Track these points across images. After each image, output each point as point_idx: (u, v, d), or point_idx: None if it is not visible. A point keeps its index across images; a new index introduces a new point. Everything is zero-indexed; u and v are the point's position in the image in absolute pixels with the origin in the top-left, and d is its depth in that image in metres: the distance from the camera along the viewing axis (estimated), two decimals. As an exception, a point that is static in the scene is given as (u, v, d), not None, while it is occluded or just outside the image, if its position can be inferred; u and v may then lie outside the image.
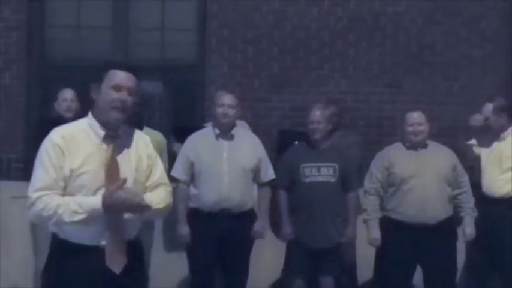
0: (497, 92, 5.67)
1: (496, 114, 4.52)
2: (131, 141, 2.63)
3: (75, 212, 2.42)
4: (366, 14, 5.72)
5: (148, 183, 2.65)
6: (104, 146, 2.52)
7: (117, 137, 2.56)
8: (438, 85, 5.78)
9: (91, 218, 2.44)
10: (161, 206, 2.64)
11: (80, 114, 4.64)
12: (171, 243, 4.66)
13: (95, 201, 2.44)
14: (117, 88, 2.53)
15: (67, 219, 2.43)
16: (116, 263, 2.51)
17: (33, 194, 2.46)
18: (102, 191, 2.47)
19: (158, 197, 2.64)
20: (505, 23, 5.87)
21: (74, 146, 2.49)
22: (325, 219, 4.19)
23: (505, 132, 4.53)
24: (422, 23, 5.79)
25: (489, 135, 4.59)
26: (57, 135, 2.51)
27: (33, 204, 2.45)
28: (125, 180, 2.48)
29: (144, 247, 4.25)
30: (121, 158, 2.55)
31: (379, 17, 5.74)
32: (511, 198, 4.42)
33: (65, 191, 2.48)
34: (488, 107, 4.56)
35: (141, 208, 2.50)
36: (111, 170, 2.50)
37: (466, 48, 5.84)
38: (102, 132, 2.53)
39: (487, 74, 5.82)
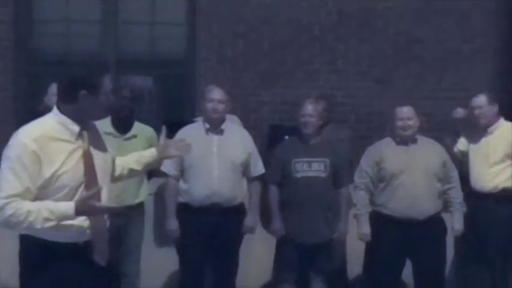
0: (486, 87, 5.73)
1: (491, 104, 4.54)
2: (98, 133, 2.69)
3: (46, 219, 2.38)
4: (355, 9, 5.72)
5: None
6: (80, 141, 2.51)
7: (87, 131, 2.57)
8: (427, 80, 5.80)
9: (62, 223, 2.42)
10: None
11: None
12: (161, 238, 4.66)
13: (67, 207, 2.40)
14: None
15: (38, 225, 2.38)
16: (102, 255, 2.54)
17: (1, 200, 2.37)
18: (81, 189, 2.46)
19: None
20: (493, 18, 5.89)
21: (49, 148, 2.42)
22: (316, 214, 4.18)
23: (492, 127, 4.56)
24: (411, 18, 5.80)
25: (476, 130, 4.61)
26: (28, 138, 2.40)
27: (1, 209, 2.38)
28: (100, 188, 2.48)
29: (135, 242, 4.33)
30: (93, 152, 2.56)
31: (369, 12, 5.74)
32: (499, 192, 4.46)
33: (42, 194, 2.42)
34: (481, 97, 4.57)
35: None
36: (88, 164, 2.50)
37: (454, 43, 5.86)
38: (76, 128, 2.50)
39: (476, 70, 5.85)
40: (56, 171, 2.41)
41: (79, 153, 2.49)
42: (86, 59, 5.49)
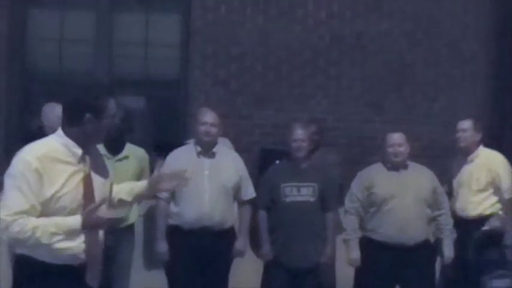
0: (477, 112, 5.78)
1: (475, 130, 4.61)
2: (100, 157, 2.74)
3: (53, 234, 2.40)
4: (348, 33, 5.78)
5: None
6: (81, 165, 2.52)
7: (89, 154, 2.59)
8: (418, 105, 5.85)
9: (69, 238, 2.44)
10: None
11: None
12: (150, 259, 4.64)
13: (73, 222, 2.43)
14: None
15: (45, 241, 2.40)
16: (95, 278, 2.55)
17: (7, 217, 2.38)
18: (79, 210, 2.47)
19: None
20: (484, 44, 5.97)
21: (51, 169, 2.43)
22: (305, 239, 4.18)
23: (473, 154, 4.63)
24: (403, 43, 5.87)
25: (459, 158, 4.70)
26: (32, 157, 2.42)
27: (8, 226, 2.38)
28: (104, 200, 2.50)
29: (125, 262, 4.31)
30: (93, 175, 2.58)
31: (361, 36, 5.80)
32: (483, 220, 4.52)
33: (43, 213, 2.42)
34: (467, 122, 4.63)
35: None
36: (88, 188, 2.52)
37: (445, 68, 5.93)
38: (79, 152, 2.52)
39: (466, 95, 5.91)
40: (57, 192, 2.42)
41: (80, 176, 2.50)
42: (81, 79, 5.53)
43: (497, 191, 4.56)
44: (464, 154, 4.67)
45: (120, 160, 4.29)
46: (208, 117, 4.20)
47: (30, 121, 5.34)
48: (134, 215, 4.38)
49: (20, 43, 5.59)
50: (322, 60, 5.75)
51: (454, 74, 5.93)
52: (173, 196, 4.14)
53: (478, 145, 4.64)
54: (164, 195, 4.14)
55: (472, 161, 4.63)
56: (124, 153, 4.32)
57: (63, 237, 2.41)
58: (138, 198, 3.02)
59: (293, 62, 5.73)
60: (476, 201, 4.56)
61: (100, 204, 2.47)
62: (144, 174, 4.40)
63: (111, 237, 4.12)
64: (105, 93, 2.60)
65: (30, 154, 2.43)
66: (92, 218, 2.45)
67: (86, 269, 2.53)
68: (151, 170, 4.45)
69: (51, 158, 2.44)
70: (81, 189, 2.49)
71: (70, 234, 2.43)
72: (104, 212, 2.58)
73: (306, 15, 5.73)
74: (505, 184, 4.53)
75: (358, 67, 5.80)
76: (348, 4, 5.78)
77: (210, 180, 4.11)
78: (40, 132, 4.60)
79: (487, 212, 4.54)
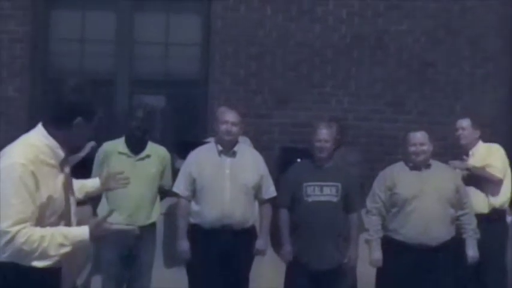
0: (498, 111, 5.73)
1: (474, 128, 4.75)
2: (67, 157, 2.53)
3: (61, 245, 2.26)
4: (369, 32, 5.75)
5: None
6: (62, 168, 2.38)
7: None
8: (440, 104, 5.80)
9: (76, 249, 2.32)
10: None
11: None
12: (171, 257, 4.65)
13: (81, 232, 2.31)
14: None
15: (52, 252, 2.24)
16: (69, 284, 2.48)
17: (11, 228, 2.17)
18: (67, 216, 2.36)
19: None
20: (506, 42, 5.90)
21: (43, 170, 2.27)
22: (327, 239, 4.14)
23: (473, 149, 4.74)
24: (424, 41, 5.82)
25: (459, 156, 4.80)
26: (25, 159, 2.23)
27: (12, 238, 2.18)
28: (111, 212, 2.44)
29: (146, 262, 4.33)
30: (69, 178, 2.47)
31: (382, 35, 5.76)
32: (489, 213, 4.58)
33: (37, 219, 2.25)
34: (465, 120, 4.79)
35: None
36: (68, 192, 2.40)
37: (467, 67, 5.87)
38: (62, 154, 2.36)
39: (488, 93, 5.85)
40: (50, 195, 2.28)
41: (61, 179, 2.35)
42: (103, 79, 5.58)
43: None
44: (465, 151, 4.79)
45: (142, 159, 4.32)
46: (229, 116, 4.20)
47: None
48: (156, 214, 4.39)
49: (43, 44, 5.65)
50: (342, 59, 5.73)
51: (476, 72, 5.87)
52: (194, 195, 4.16)
53: (477, 140, 4.78)
54: (185, 193, 4.16)
55: (472, 155, 4.74)
56: (146, 152, 4.34)
57: (70, 248, 2.27)
58: (89, 195, 2.94)
59: (313, 61, 5.71)
60: (483, 196, 4.60)
61: (108, 216, 2.37)
62: (166, 173, 4.43)
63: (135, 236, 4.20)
64: (95, 93, 2.47)
65: (22, 157, 2.24)
66: (100, 229, 2.34)
67: (64, 271, 2.38)
68: (173, 168, 4.50)
69: (40, 160, 2.28)
70: (63, 194, 2.35)
71: (77, 245, 2.30)
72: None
73: (327, 14, 5.71)
74: (495, 163, 4.61)
75: (379, 66, 5.76)
76: (368, 3, 5.75)
77: (231, 179, 4.11)
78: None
79: (493, 206, 4.61)
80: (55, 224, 2.31)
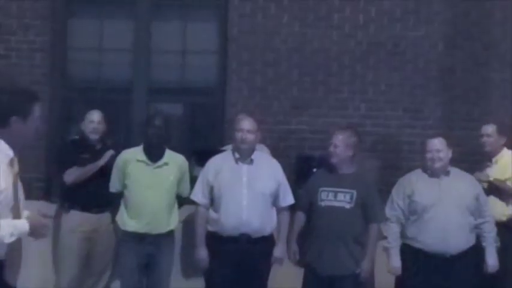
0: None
1: (499, 134, 4.65)
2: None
3: (11, 234, 2.45)
4: (386, 38, 5.72)
5: None
6: (15, 167, 2.56)
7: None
8: (458, 110, 5.75)
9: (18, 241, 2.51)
10: None
11: (104, 136, 4.74)
12: (189, 265, 4.66)
13: (23, 224, 2.51)
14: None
15: (7, 240, 2.44)
16: (14, 276, 2.60)
17: None
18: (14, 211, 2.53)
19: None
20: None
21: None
22: (339, 245, 4.08)
23: (497, 156, 4.64)
24: (442, 47, 5.78)
25: (482, 162, 4.71)
26: None
27: None
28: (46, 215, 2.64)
29: (165, 270, 4.34)
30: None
31: (399, 41, 5.74)
32: (508, 221, 4.48)
33: None
34: (491, 126, 4.68)
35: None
36: (16, 190, 2.57)
37: (485, 72, 5.82)
38: (11, 153, 2.55)
39: (507, 99, 5.79)
40: (5, 188, 2.47)
41: (10, 177, 2.53)
42: (121, 87, 5.62)
43: None
44: (489, 158, 4.70)
45: (159, 167, 4.34)
46: (244, 124, 4.20)
47: (71, 129, 5.46)
48: (174, 222, 4.41)
49: (61, 53, 5.71)
50: (359, 66, 5.71)
51: (494, 77, 5.81)
52: (212, 202, 4.17)
53: (502, 147, 4.69)
54: (203, 201, 4.18)
55: (496, 162, 4.64)
56: (164, 160, 4.37)
57: (16, 238, 2.46)
58: None
59: (330, 67, 5.70)
60: (503, 203, 4.51)
61: (46, 214, 2.59)
62: (184, 181, 4.45)
63: (152, 244, 4.23)
64: (32, 98, 2.64)
65: None
66: (38, 222, 2.55)
67: (6, 265, 2.55)
68: (191, 176, 4.52)
69: None
70: (11, 190, 2.53)
71: (21, 236, 2.50)
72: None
73: (343, 21, 5.70)
74: None
75: (396, 72, 5.73)
76: (385, 9, 5.73)
77: (248, 187, 4.11)
78: (82, 141, 4.71)
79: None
80: (3, 216, 2.48)
